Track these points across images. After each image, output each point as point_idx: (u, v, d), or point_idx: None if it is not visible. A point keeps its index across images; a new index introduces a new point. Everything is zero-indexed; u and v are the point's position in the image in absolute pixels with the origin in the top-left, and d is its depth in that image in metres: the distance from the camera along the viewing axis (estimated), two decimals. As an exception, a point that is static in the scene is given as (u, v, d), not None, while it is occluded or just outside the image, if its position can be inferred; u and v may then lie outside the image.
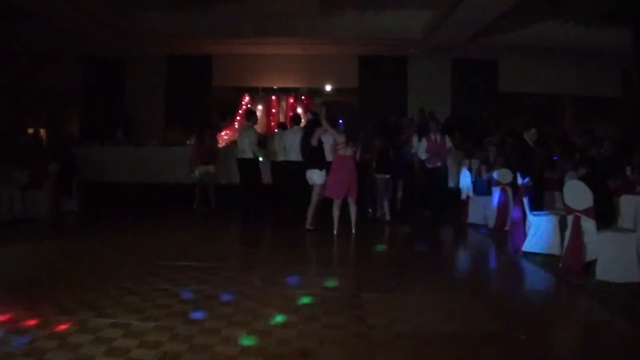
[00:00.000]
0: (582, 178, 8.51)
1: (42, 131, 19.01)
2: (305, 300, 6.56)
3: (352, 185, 10.93)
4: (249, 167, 12.55)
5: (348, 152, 11.00)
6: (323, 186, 11.27)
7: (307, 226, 11.41)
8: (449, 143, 12.98)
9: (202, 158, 14.41)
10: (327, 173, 11.20)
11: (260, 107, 18.87)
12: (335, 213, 11.06)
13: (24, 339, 5.17)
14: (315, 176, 11.38)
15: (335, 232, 11.01)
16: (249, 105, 18.82)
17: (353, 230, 11.07)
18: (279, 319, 5.85)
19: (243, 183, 12.78)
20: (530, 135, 10.42)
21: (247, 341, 5.22)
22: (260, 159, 12.81)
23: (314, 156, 11.47)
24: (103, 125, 17.74)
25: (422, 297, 6.91)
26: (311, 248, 10.65)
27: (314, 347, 5.11)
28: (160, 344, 5.11)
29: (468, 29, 15.27)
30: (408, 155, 13.57)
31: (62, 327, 5.50)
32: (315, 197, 11.44)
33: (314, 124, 12.00)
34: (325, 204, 11.44)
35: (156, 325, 5.59)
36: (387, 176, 12.71)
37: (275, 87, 19.56)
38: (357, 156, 11.25)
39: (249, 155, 12.46)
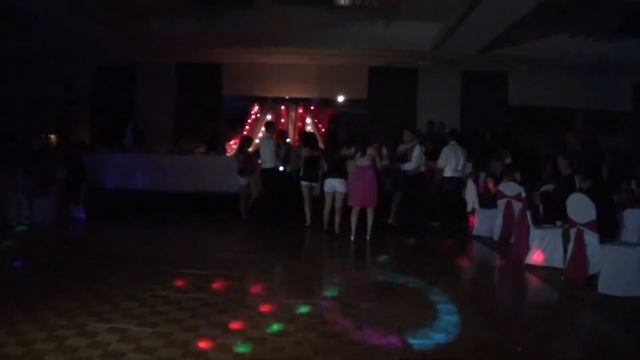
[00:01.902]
0: (586, 191, 8.48)
1: (53, 137, 19.12)
2: (303, 309, 6.57)
3: (371, 195, 11.47)
4: (270, 176, 13.17)
5: (365, 162, 11.54)
6: (345, 194, 11.94)
7: (336, 230, 12.10)
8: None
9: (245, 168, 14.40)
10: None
11: (269, 116, 18.86)
12: (353, 220, 11.67)
13: (23, 341, 5.22)
14: (338, 184, 11.98)
15: (352, 238, 11.57)
16: (258, 115, 18.89)
17: (368, 237, 11.58)
18: (275, 327, 5.86)
19: (266, 191, 13.35)
20: None
21: (241, 348, 5.24)
22: (281, 168, 13.51)
23: (337, 167, 12.15)
24: (113, 132, 17.82)
25: (421, 307, 6.89)
26: (318, 255, 11.04)
27: (308, 355, 5.12)
28: (156, 349, 5.14)
29: (477, 41, 15.22)
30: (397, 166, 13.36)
31: (61, 330, 5.54)
32: (339, 204, 12.04)
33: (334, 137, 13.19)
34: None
35: (153, 331, 5.63)
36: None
37: (284, 97, 19.56)
38: (378, 164, 11.80)
39: (269, 165, 13.11)
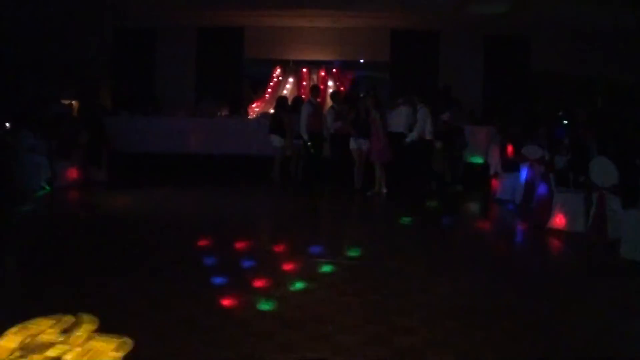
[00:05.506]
0: (610, 155, 8.42)
1: (75, 102, 19.15)
2: (326, 268, 6.63)
3: (386, 150, 12.35)
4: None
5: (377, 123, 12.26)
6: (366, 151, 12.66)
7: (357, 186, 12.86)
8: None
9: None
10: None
11: (291, 79, 18.87)
12: (378, 174, 12.52)
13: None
14: (362, 143, 12.66)
15: (370, 192, 12.48)
16: (280, 78, 18.91)
17: (384, 190, 12.42)
18: (298, 285, 5.92)
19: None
20: None
21: (265, 306, 5.30)
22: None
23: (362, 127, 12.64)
24: (134, 97, 17.84)
25: (441, 269, 6.92)
26: (342, 214, 11.23)
27: (330, 313, 5.18)
28: (179, 307, 5.23)
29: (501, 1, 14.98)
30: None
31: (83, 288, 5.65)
32: (361, 162, 12.84)
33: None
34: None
35: (175, 289, 5.72)
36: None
37: (307, 59, 19.46)
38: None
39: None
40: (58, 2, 15.96)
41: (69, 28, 18.09)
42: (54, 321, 4.71)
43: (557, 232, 9.08)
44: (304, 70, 18.97)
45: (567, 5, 15.23)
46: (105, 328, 4.63)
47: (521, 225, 10.37)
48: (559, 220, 9.23)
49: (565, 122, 15.29)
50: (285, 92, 18.34)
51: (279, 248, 7.78)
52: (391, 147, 12.44)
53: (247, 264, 6.76)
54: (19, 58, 17.04)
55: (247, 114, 17.34)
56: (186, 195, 12.56)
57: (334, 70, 19.08)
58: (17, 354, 4.16)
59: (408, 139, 12.95)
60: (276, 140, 13.79)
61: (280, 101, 14.39)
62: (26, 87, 17.46)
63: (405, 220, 10.22)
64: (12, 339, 4.38)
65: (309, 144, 13.30)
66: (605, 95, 19.74)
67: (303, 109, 13.41)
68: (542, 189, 9.99)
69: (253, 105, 18.49)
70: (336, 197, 12.66)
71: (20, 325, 4.59)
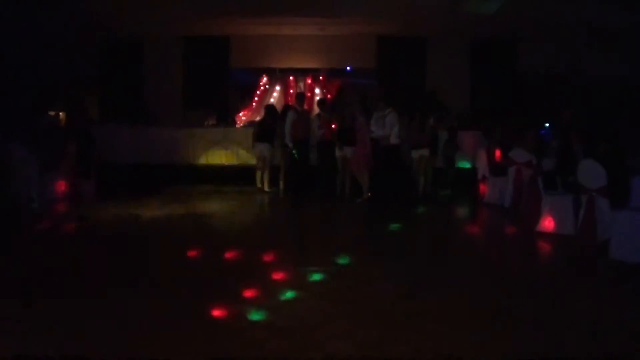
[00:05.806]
0: (601, 155, 8.46)
1: (61, 114, 19.08)
2: (316, 276, 6.61)
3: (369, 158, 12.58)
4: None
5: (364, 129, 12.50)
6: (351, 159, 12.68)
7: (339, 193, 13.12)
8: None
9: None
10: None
11: (278, 87, 18.87)
12: (363, 180, 12.63)
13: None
14: (346, 151, 12.70)
15: (360, 199, 12.54)
16: (267, 86, 18.89)
17: (369, 194, 12.55)
18: (289, 294, 5.90)
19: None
20: None
21: (255, 316, 5.27)
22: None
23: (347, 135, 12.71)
24: (122, 108, 17.83)
25: (432, 275, 6.91)
26: (329, 221, 11.15)
27: (320, 320, 5.16)
28: (169, 317, 5.19)
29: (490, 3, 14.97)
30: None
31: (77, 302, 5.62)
32: (345, 169, 13.00)
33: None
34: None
35: (165, 299, 5.69)
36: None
37: (293, 67, 19.47)
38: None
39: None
40: (45, 13, 15.90)
41: (58, 40, 18.02)
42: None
43: (546, 235, 9.12)
44: (291, 78, 18.96)
45: (555, 6, 15.25)
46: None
47: (510, 229, 10.37)
48: (548, 223, 9.27)
49: (547, 124, 15.32)
50: (272, 100, 18.31)
51: (269, 257, 7.74)
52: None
53: (237, 273, 6.73)
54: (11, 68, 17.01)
55: (234, 123, 17.31)
56: (176, 205, 12.45)
57: (320, 77, 19.08)
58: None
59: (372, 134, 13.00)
60: (265, 148, 13.73)
61: (270, 109, 14.35)
62: (19, 98, 17.38)
63: (393, 226, 10.20)
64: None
65: (293, 151, 13.30)
66: (595, 97, 19.76)
67: (287, 117, 13.43)
68: (530, 192, 10.02)
69: (240, 114, 18.47)
70: (323, 205, 12.60)
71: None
